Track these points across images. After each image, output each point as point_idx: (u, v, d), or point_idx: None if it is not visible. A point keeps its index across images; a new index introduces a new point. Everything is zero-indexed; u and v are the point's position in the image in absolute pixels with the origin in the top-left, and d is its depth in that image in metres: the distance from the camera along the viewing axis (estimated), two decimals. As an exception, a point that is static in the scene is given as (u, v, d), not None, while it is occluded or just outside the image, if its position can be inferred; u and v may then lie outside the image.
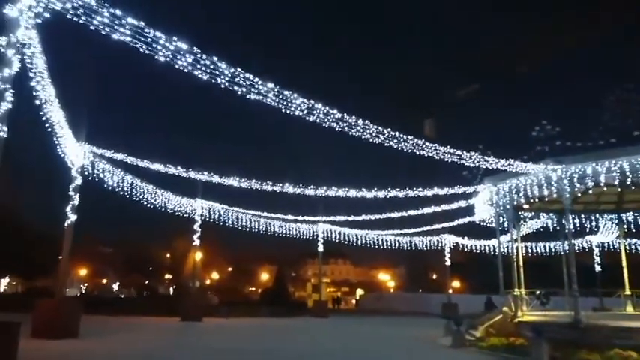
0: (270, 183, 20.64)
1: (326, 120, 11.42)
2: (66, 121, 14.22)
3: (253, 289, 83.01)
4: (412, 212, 27.37)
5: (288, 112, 10.83)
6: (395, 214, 28.14)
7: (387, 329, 25.45)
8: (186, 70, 9.62)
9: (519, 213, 20.71)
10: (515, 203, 18.51)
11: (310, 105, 10.97)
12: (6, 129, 7.40)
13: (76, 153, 17.55)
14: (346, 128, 11.82)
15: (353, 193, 21.06)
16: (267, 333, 22.04)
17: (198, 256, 32.32)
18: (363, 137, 12.15)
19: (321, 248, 37.74)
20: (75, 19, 8.58)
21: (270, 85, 10.34)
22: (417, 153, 13.58)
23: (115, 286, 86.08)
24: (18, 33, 7.65)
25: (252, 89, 10.25)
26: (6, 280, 78.31)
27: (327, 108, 11.24)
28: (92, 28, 8.70)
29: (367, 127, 11.96)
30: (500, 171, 16.76)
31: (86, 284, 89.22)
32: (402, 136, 12.64)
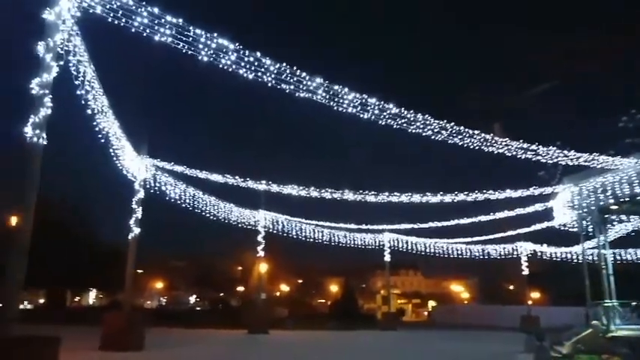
0: (330, 190, 19.96)
1: (382, 116, 10.56)
2: (123, 132, 14.32)
3: (323, 301, 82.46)
4: (483, 218, 25.63)
5: (339, 109, 10.08)
6: (464, 221, 26.49)
7: (461, 345, 23.74)
8: (230, 69, 9.14)
9: (606, 215, 18.65)
10: (601, 204, 16.62)
11: (364, 100, 10.16)
12: (45, 135, 7.21)
13: (137, 166, 17.75)
14: (404, 125, 10.88)
15: (417, 198, 19.88)
16: (332, 348, 21.15)
17: (264, 267, 32.16)
18: (423, 134, 11.15)
19: (387, 258, 36.49)
20: (115, 21, 8.36)
21: (319, 80, 9.66)
22: (486, 149, 12.35)
23: (192, 299, 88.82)
24: (56, 37, 7.50)
25: (301, 86, 9.61)
26: (93, 294, 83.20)
27: (383, 103, 10.36)
28: (133, 30, 8.44)
29: (428, 122, 10.95)
30: (582, 168, 15.09)
31: (165, 297, 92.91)
32: (467, 130, 11.49)
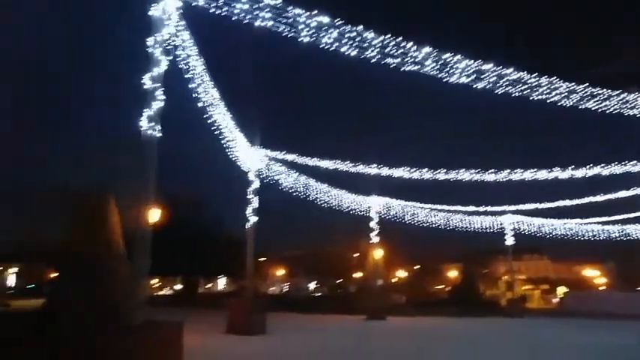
0: (444, 170, 18.94)
1: (499, 84, 9.54)
2: (235, 124, 14.72)
3: (441, 287, 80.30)
4: (622, 194, 22.75)
5: (450, 80, 9.28)
6: (599, 198, 23.75)
7: (600, 337, 21.00)
8: (331, 48, 8.80)
9: None
10: None
11: (478, 67, 9.24)
12: (159, 127, 7.45)
13: (251, 156, 18.28)
14: (526, 91, 9.74)
15: (543, 174, 18.08)
16: (457, 337, 20.05)
17: (379, 254, 31.84)
18: (548, 100, 9.90)
19: (510, 242, 34.20)
20: (217, 11, 8.40)
21: (427, 49, 8.93)
22: (626, 113, 10.69)
23: (312, 286, 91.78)
24: (163, 32, 7.71)
25: (407, 58, 8.98)
26: (223, 281, 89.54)
27: (501, 68, 9.34)
28: (234, 18, 8.43)
29: (555, 85, 9.70)
30: None
31: (287, 284, 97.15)
32: (605, 91, 10.00)
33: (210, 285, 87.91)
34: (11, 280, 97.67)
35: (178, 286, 73.20)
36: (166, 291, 77.19)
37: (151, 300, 7.52)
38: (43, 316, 13.58)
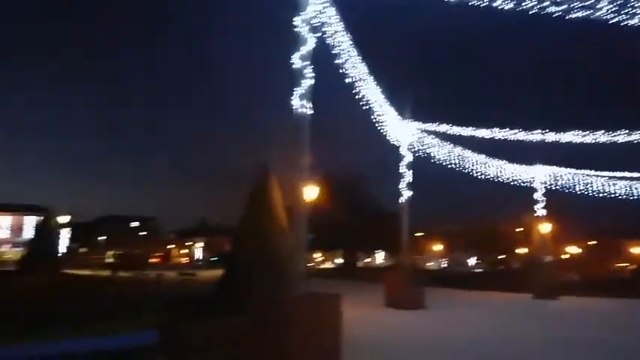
0: (624, 132, 16.43)
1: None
2: (385, 98, 14.56)
3: (624, 264, 71.43)
4: None
5: (630, 23, 7.86)
6: None
7: None
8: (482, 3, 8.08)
9: None
10: None
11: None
12: (310, 105, 7.64)
13: (402, 130, 18.00)
14: None
15: None
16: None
17: (546, 228, 29.27)
18: None
19: None
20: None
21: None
22: None
23: (471, 261, 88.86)
24: (309, 10, 7.83)
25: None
26: (382, 255, 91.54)
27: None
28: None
29: None
30: None
31: (445, 259, 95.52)
32: None
33: (369, 259, 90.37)
34: (199, 253, 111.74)
35: (339, 260, 76.62)
36: (329, 264, 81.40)
37: (314, 273, 7.90)
38: (220, 286, 15.19)
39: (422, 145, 18.98)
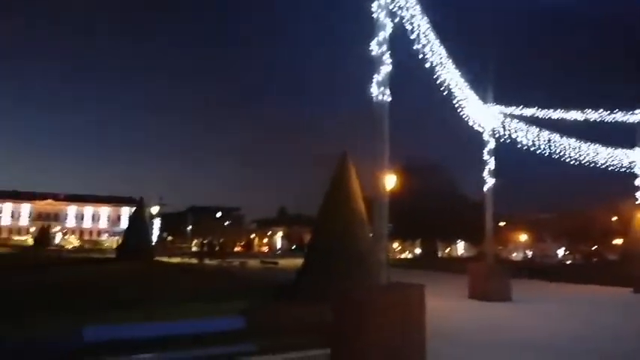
0: None
1: None
2: (465, 82, 14.01)
3: None
4: None
5: None
6: None
7: None
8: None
9: None
10: None
11: None
12: (388, 92, 7.48)
13: (484, 115, 17.25)
14: None
15: None
16: None
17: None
18: None
19: None
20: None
21: None
22: None
23: (560, 252, 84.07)
24: (386, -6, 7.65)
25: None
26: (462, 245, 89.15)
27: None
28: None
29: None
30: None
31: (531, 250, 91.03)
32: None
33: (448, 249, 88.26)
34: (279, 242, 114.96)
35: (417, 250, 75.50)
36: (406, 254, 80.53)
37: (392, 263, 7.81)
38: (301, 274, 15.49)
39: (506, 130, 18.05)
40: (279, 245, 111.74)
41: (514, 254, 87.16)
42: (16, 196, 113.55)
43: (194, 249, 76.34)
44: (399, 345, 6.50)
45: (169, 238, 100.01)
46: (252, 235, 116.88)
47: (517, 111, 17.69)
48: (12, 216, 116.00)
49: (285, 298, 13.85)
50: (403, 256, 77.33)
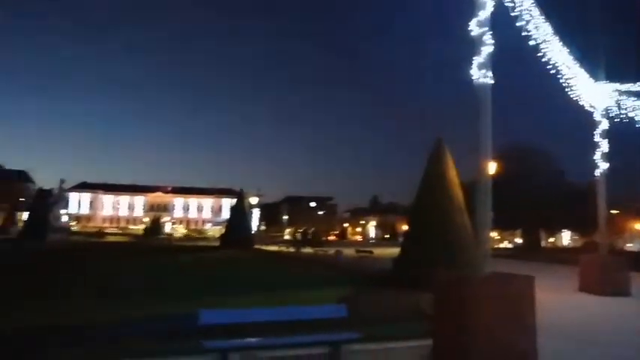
0: None
1: None
2: (574, 59, 12.94)
3: None
4: None
5: None
6: None
7: None
8: None
9: None
10: None
11: None
12: (491, 74, 7.12)
13: (596, 93, 15.86)
14: None
15: None
16: None
17: None
18: None
19: None
20: None
21: None
22: None
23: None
24: (486, -29, 7.24)
25: None
26: (567, 235, 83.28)
27: None
28: None
29: None
30: None
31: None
32: None
33: (552, 239, 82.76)
34: (372, 232, 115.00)
35: (517, 240, 71.53)
36: (506, 244, 76.67)
37: (492, 253, 7.45)
38: (398, 263, 15.37)
39: (621, 109, 16.43)
40: (372, 234, 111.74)
41: (629, 244, 79.74)
42: (133, 189, 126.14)
43: (286, 237, 78.63)
44: (508, 339, 6.21)
45: (262, 227, 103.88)
46: (346, 225, 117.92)
47: (635, 87, 16.03)
48: (129, 207, 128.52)
49: (384, 286, 13.85)
50: (502, 245, 73.85)
